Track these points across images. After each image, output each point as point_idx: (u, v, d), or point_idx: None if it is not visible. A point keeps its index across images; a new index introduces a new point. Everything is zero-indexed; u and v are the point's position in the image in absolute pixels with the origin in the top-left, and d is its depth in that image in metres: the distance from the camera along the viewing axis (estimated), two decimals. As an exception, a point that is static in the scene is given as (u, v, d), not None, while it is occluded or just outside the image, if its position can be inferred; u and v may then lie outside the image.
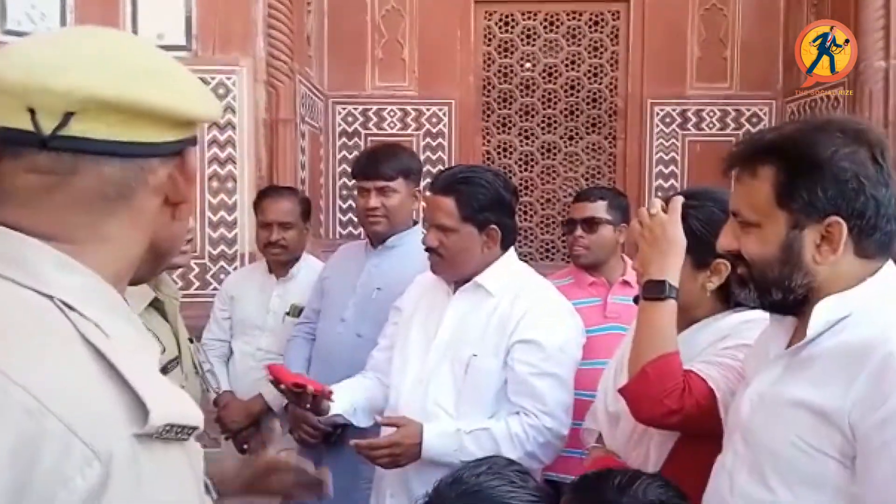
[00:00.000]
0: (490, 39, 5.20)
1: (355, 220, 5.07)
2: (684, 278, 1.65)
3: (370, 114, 5.13)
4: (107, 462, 0.66)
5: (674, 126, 5.08)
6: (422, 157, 4.38)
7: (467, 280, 2.11)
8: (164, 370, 1.75)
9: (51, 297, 0.72)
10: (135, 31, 3.88)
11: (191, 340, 2.15)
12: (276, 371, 2.09)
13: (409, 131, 5.11)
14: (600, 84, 5.18)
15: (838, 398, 1.16)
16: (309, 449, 2.64)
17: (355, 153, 5.08)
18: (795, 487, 1.22)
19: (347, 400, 2.18)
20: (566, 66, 5.18)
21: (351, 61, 5.07)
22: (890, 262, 1.27)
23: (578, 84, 5.18)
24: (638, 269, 1.76)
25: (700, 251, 1.62)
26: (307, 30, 4.73)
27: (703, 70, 5.04)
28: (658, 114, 5.08)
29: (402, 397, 2.14)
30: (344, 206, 5.15)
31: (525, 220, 5.18)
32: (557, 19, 5.17)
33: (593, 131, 5.21)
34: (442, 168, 4.76)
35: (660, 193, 4.98)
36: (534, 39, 5.19)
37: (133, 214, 0.79)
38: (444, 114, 5.13)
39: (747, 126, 5.02)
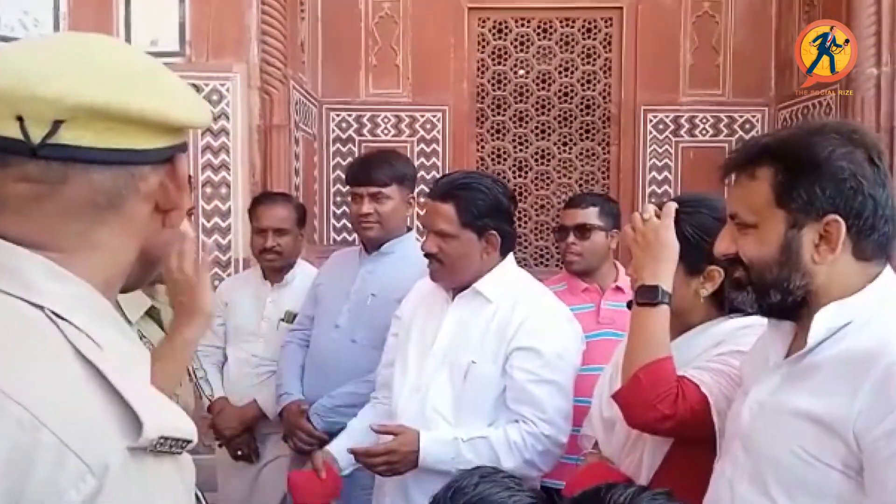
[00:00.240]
0: (484, 46, 5.21)
1: (349, 226, 5.07)
2: (677, 284, 1.65)
3: (364, 120, 5.14)
4: (100, 475, 0.65)
5: (667, 133, 5.10)
6: (416, 164, 4.37)
7: (466, 287, 2.10)
8: (158, 377, 1.74)
9: (41, 308, 0.71)
10: (128, 38, 3.88)
11: None
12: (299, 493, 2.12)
13: (403, 138, 5.11)
14: (594, 91, 5.19)
15: (842, 408, 1.15)
16: (304, 456, 2.64)
17: (349, 159, 5.08)
18: (797, 497, 1.21)
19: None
20: (559, 72, 5.20)
21: (345, 68, 5.07)
22: (889, 268, 1.27)
23: (572, 91, 5.20)
24: (632, 275, 1.76)
25: (693, 257, 1.62)
26: (301, 36, 4.73)
27: (695, 77, 5.06)
28: (651, 120, 5.10)
29: (400, 404, 2.13)
30: (338, 213, 5.15)
31: (519, 226, 5.19)
32: (551, 26, 5.18)
33: (587, 138, 5.22)
34: (436, 175, 4.78)
35: (653, 199, 4.99)
36: (527, 46, 5.20)
37: (124, 222, 0.79)
38: (438, 120, 5.14)
39: (740, 133, 5.04)
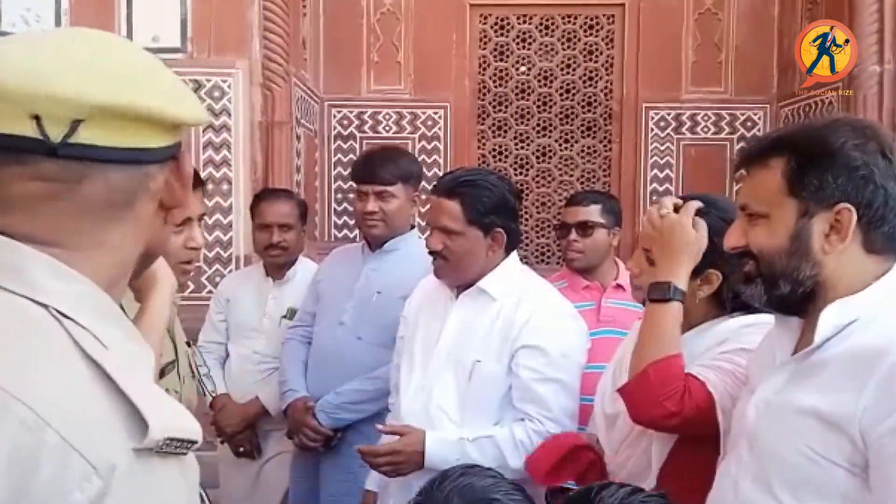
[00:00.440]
0: (485, 43, 5.21)
1: (350, 222, 5.07)
2: None
3: (365, 117, 5.13)
4: (106, 476, 0.65)
5: (668, 130, 5.10)
6: (417, 161, 4.38)
7: (470, 284, 2.08)
8: (161, 373, 1.74)
9: (46, 306, 0.71)
10: (130, 34, 3.87)
11: (188, 344, 2.14)
12: None
13: (404, 134, 5.11)
14: (595, 88, 5.19)
15: (847, 406, 1.15)
16: (309, 453, 2.64)
17: (350, 156, 5.09)
18: (802, 495, 1.21)
19: None
20: (561, 69, 5.19)
21: (346, 64, 5.07)
22: None
23: (573, 88, 5.20)
24: (633, 270, 1.76)
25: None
26: (303, 33, 4.73)
27: (697, 74, 5.06)
28: (653, 118, 5.09)
29: (405, 403, 2.12)
30: (339, 209, 5.15)
31: (520, 223, 5.18)
32: (552, 23, 5.18)
33: (588, 135, 5.22)
34: (438, 171, 4.78)
35: (654, 197, 4.99)
36: (529, 43, 5.20)
37: (134, 221, 0.79)
38: (440, 117, 5.14)
39: (742, 130, 5.04)
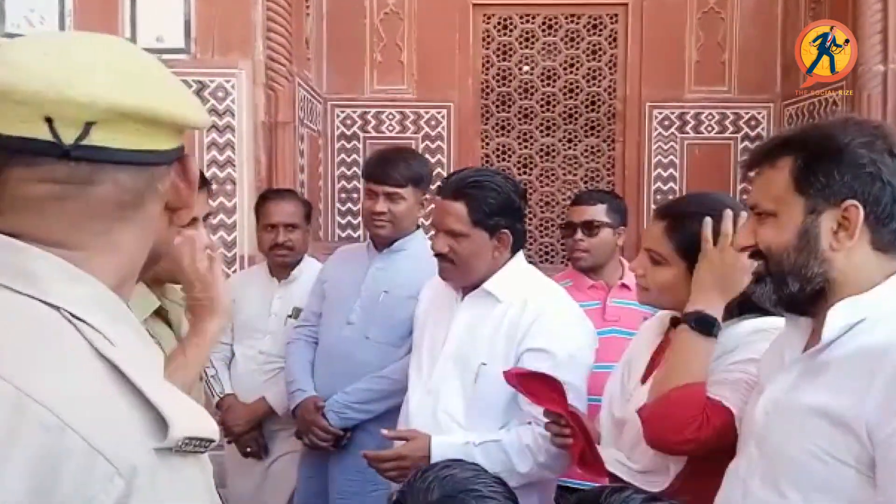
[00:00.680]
0: (488, 42, 5.21)
1: (354, 222, 5.07)
2: (682, 283, 1.65)
3: (369, 117, 5.13)
4: (129, 477, 0.65)
5: (672, 129, 5.09)
6: (420, 161, 4.37)
7: (476, 286, 2.07)
8: (171, 377, 1.75)
9: (58, 308, 0.72)
10: (133, 35, 3.88)
11: None
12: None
13: (407, 134, 5.11)
14: (599, 87, 5.19)
15: (855, 405, 1.16)
16: (317, 452, 2.64)
17: (354, 156, 5.09)
18: (810, 494, 1.21)
19: None
20: (565, 69, 5.19)
21: (349, 64, 5.07)
22: None
23: (577, 87, 5.19)
24: (636, 271, 1.75)
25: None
26: (306, 33, 4.73)
27: (701, 73, 5.05)
28: (657, 117, 5.09)
29: (412, 407, 2.11)
30: (342, 209, 5.15)
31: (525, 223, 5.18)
32: (556, 22, 5.17)
33: (592, 134, 5.22)
34: (441, 171, 4.78)
35: (658, 196, 4.99)
36: (532, 42, 5.19)
37: (142, 222, 0.80)
38: (443, 117, 5.13)
39: (746, 129, 5.04)
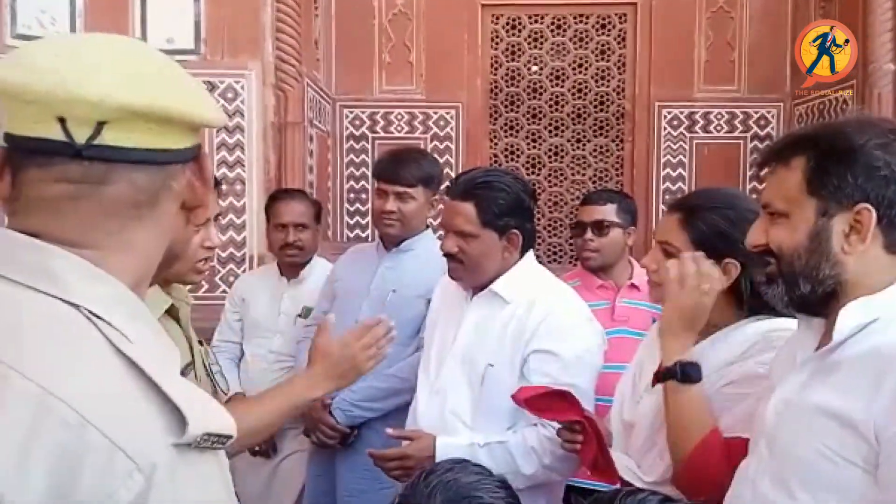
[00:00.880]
0: (497, 43, 5.20)
1: (363, 222, 5.08)
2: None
3: (377, 117, 5.14)
4: (148, 473, 0.66)
5: (681, 129, 5.08)
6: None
7: (485, 286, 2.06)
8: (182, 375, 1.76)
9: (77, 307, 0.72)
10: (144, 36, 3.89)
11: (200, 343, 2.15)
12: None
13: (416, 135, 5.11)
14: (608, 87, 5.18)
15: (863, 405, 1.15)
16: (326, 450, 2.65)
17: (363, 157, 5.10)
18: (819, 494, 1.21)
19: None
20: (573, 69, 5.19)
21: (358, 65, 5.07)
22: None
23: (586, 87, 5.19)
24: (649, 266, 1.73)
25: (714, 249, 1.60)
26: (315, 33, 4.74)
27: (710, 73, 5.03)
28: (665, 116, 5.07)
29: (420, 407, 2.11)
30: (351, 209, 5.16)
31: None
32: (564, 22, 5.17)
33: (601, 134, 5.21)
34: (450, 172, 4.78)
35: (667, 196, 4.98)
36: (541, 42, 5.19)
37: (158, 221, 0.81)
38: (452, 117, 5.14)
39: (755, 129, 5.02)
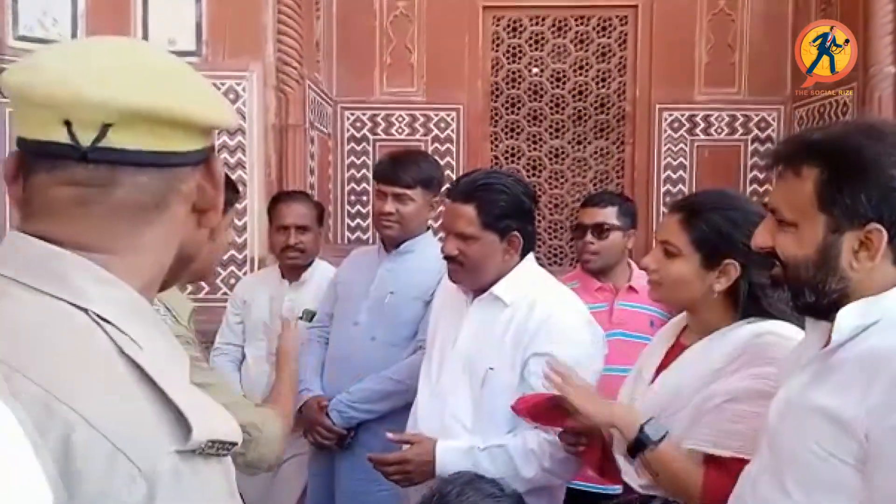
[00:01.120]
0: (498, 45, 5.21)
1: (364, 224, 5.09)
2: (692, 278, 1.63)
3: (378, 119, 5.14)
4: (151, 479, 0.66)
5: (682, 131, 5.08)
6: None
7: (486, 288, 2.05)
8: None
9: (86, 310, 0.72)
10: (145, 37, 3.90)
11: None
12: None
13: (417, 136, 5.12)
14: (608, 89, 5.18)
15: (855, 404, 1.15)
16: (324, 453, 2.65)
17: (364, 159, 5.11)
18: (813, 493, 1.21)
19: None
20: (574, 71, 5.19)
21: (359, 67, 5.08)
22: None
23: (586, 89, 5.19)
24: (649, 265, 1.73)
25: (714, 250, 1.61)
26: (316, 35, 4.74)
27: (711, 75, 5.03)
28: (666, 119, 5.08)
29: (420, 410, 2.11)
30: (352, 211, 5.16)
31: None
32: (565, 24, 5.17)
33: (601, 136, 5.21)
34: (451, 174, 4.79)
35: (668, 199, 4.98)
36: (542, 44, 5.19)
37: (167, 223, 0.80)
38: (452, 119, 5.14)
39: (756, 131, 5.02)
